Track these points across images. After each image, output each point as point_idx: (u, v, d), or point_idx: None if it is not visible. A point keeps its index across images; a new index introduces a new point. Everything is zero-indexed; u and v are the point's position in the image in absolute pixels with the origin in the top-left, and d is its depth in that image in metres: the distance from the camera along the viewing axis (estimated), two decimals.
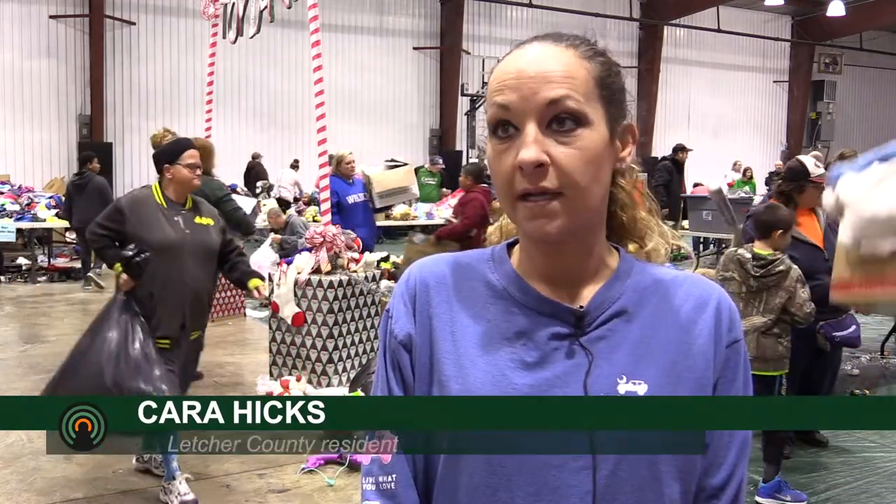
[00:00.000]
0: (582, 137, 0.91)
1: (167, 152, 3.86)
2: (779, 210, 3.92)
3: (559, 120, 0.91)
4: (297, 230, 9.87)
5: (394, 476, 1.00)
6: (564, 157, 0.90)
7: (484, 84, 16.70)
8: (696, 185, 15.31)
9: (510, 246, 1.06)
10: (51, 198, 11.55)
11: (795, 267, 3.73)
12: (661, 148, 20.01)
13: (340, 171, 7.25)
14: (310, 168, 14.70)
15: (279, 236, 9.91)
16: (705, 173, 17.23)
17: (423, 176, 10.30)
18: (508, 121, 0.93)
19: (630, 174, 1.05)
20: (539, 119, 0.91)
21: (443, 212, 11.42)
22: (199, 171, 3.84)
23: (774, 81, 24.70)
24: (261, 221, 11.70)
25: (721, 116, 23.31)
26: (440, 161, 16.26)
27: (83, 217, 9.16)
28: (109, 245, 3.74)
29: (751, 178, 16.12)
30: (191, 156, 3.81)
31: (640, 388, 0.94)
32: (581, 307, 0.98)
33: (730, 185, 16.39)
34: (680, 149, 11.48)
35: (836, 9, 19.87)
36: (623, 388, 0.94)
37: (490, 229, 1.16)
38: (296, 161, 16.09)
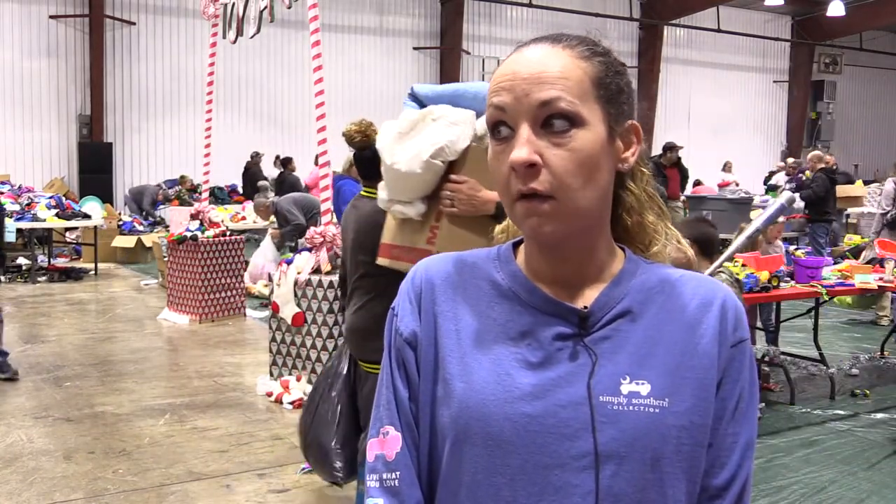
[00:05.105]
0: (576, 138, 0.91)
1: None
2: None
3: (552, 121, 0.92)
4: (289, 216, 9.85)
5: (398, 473, 1.00)
6: (556, 160, 0.91)
7: None
8: (696, 182, 15.28)
9: (516, 245, 1.06)
10: (51, 198, 11.55)
11: None
12: (660, 148, 20.01)
13: (353, 174, 7.22)
14: (301, 165, 14.78)
15: (278, 231, 9.90)
16: (705, 173, 17.25)
17: None
18: (504, 122, 0.94)
19: (640, 178, 1.05)
20: (532, 120, 0.92)
21: None
22: None
23: (774, 81, 24.70)
24: (251, 223, 11.73)
25: (721, 116, 23.31)
26: None
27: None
28: None
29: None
30: None
31: (643, 388, 0.94)
32: (585, 308, 0.97)
33: (723, 185, 16.36)
34: (668, 148, 11.38)
35: (836, 9, 19.85)
36: (626, 388, 0.94)
37: (497, 229, 1.16)
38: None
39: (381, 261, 2.48)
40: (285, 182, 13.82)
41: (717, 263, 2.97)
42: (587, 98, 0.93)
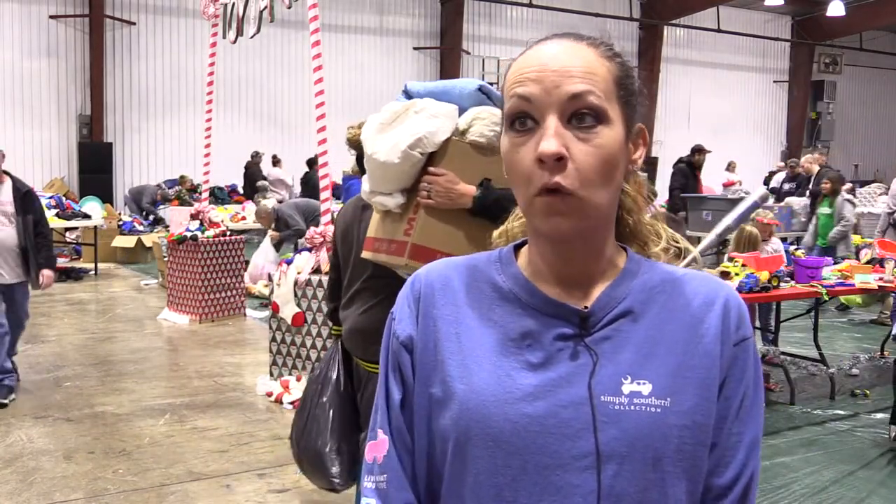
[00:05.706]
0: (601, 135, 0.91)
1: None
2: None
3: (580, 115, 0.91)
4: (290, 221, 9.86)
5: (385, 476, 1.02)
6: (582, 155, 0.90)
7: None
8: None
9: (517, 248, 1.06)
10: (51, 198, 11.53)
11: None
12: (659, 148, 20.00)
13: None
14: (300, 165, 14.83)
15: (277, 233, 9.90)
16: (704, 173, 17.25)
17: None
18: (528, 113, 0.93)
19: (633, 178, 1.05)
20: (560, 112, 0.91)
21: None
22: None
23: (774, 81, 24.69)
24: (251, 223, 11.74)
25: (721, 116, 23.29)
26: None
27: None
28: None
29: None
30: None
31: (645, 388, 0.93)
32: (586, 308, 0.97)
33: (727, 185, 16.38)
34: (697, 150, 11.50)
35: (836, 9, 19.84)
36: (627, 388, 0.93)
37: (495, 233, 1.16)
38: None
39: (364, 254, 2.49)
40: (310, 182, 13.86)
41: (685, 262, 2.95)
42: (611, 96, 0.93)
